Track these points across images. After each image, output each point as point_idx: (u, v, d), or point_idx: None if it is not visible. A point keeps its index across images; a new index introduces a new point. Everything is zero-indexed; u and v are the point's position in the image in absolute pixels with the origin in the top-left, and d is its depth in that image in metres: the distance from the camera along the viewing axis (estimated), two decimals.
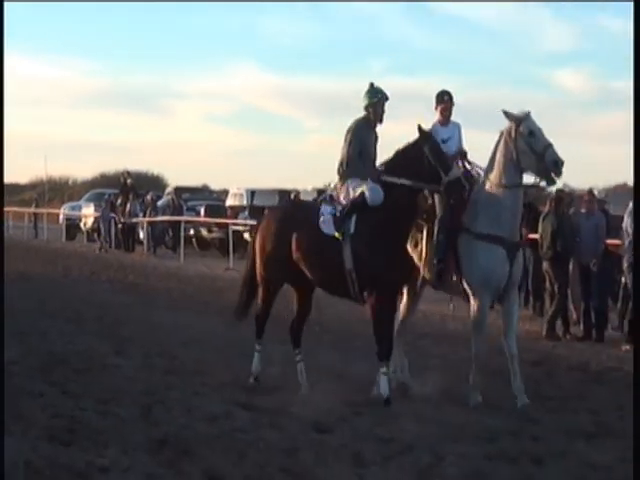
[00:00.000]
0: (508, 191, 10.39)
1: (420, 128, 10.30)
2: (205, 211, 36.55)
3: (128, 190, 38.73)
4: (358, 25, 77.38)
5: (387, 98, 10.62)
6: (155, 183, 55.59)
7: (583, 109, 75.19)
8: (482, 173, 10.93)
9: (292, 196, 27.66)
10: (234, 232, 31.86)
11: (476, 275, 10.34)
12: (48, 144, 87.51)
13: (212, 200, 40.92)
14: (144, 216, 36.57)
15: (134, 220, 37.01)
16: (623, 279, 15.77)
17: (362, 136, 10.55)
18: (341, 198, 10.61)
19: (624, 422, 9.34)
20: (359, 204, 10.17)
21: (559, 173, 10.37)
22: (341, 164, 10.62)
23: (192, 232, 35.55)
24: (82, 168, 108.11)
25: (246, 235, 32.97)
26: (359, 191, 10.23)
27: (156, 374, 11.40)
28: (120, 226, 37.18)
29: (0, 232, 28.30)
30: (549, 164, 10.15)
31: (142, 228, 36.70)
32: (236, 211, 35.66)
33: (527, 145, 10.21)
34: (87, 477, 6.91)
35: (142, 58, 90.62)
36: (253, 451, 8.00)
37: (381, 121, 10.71)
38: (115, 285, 23.97)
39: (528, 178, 10.62)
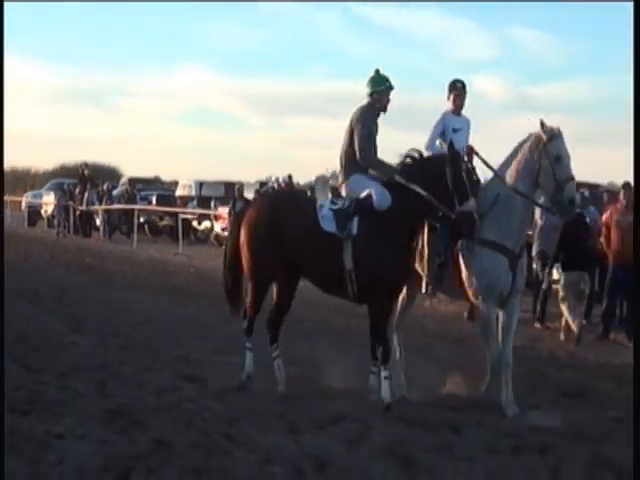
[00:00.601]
0: (521, 198, 9.10)
1: (451, 146, 8.96)
2: (157, 200, 36.52)
3: (86, 180, 38.46)
4: (300, 32, 77.34)
5: (392, 87, 9.22)
6: (111, 174, 55.07)
7: (501, 113, 75.85)
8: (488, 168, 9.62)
9: (237, 188, 27.51)
10: (183, 220, 31.98)
11: (481, 280, 9.01)
12: (12, 137, 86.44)
13: (163, 190, 40.79)
14: (100, 204, 36.40)
15: (91, 208, 36.72)
16: (534, 265, 15.94)
17: (369, 124, 9.16)
18: (343, 192, 9.41)
19: (535, 396, 9.49)
20: (364, 206, 8.87)
21: (573, 211, 9.50)
22: (347, 158, 9.25)
23: (144, 220, 35.31)
24: (44, 160, 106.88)
25: (194, 223, 33.13)
26: (366, 192, 8.94)
27: (110, 351, 11.28)
28: (78, 213, 36.86)
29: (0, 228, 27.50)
30: (565, 200, 8.91)
31: (98, 215, 36.47)
32: (185, 201, 35.91)
33: (551, 168, 8.87)
34: (45, 444, 6.88)
35: (101, 60, 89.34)
36: (199, 420, 8.03)
37: (385, 110, 9.29)
38: (73, 268, 23.71)
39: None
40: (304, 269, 9.34)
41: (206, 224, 32.85)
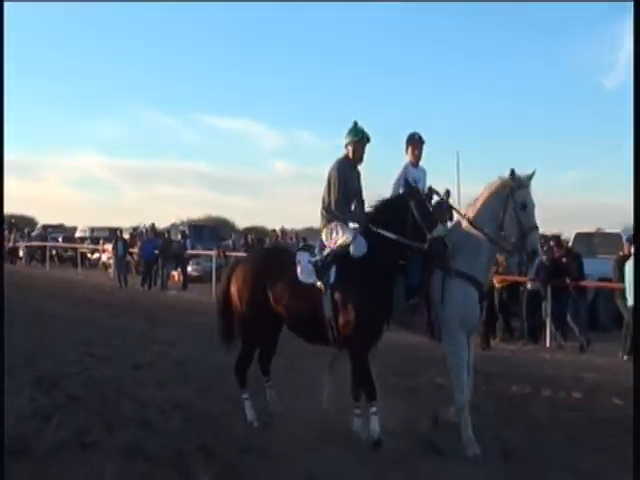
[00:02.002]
0: (486, 239, 6.23)
1: (407, 182, 6.36)
2: (63, 239, 35.08)
3: (12, 226, 37.02)
4: (160, 129, 76.11)
5: (369, 139, 6.42)
6: (30, 222, 51.98)
7: (287, 185, 77.42)
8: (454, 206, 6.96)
9: (117, 231, 26.82)
10: (81, 252, 30.86)
11: (454, 314, 6.07)
12: None
13: (66, 233, 39.11)
14: (23, 242, 34.84)
15: (16, 244, 35.01)
16: None
17: (345, 176, 6.32)
18: (324, 240, 6.37)
19: None
20: (341, 255, 6.11)
21: (534, 261, 6.65)
22: (325, 206, 6.40)
23: (54, 252, 33.78)
24: None
25: (89, 255, 32.35)
26: (342, 241, 6.15)
27: (34, 337, 10.78)
28: (6, 249, 35.02)
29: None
30: (528, 249, 6.15)
31: (22, 250, 34.84)
32: (82, 239, 34.84)
33: (515, 215, 6.13)
34: None
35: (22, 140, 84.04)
36: (98, 382, 7.85)
37: (360, 161, 6.44)
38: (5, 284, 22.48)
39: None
40: (287, 321, 6.45)
41: (96, 255, 31.94)
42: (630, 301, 11.23)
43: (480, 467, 5.49)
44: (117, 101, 77.78)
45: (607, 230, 14.96)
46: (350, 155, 6.39)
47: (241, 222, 49.51)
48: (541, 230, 6.34)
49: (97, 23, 68.17)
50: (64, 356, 9.34)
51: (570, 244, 15.44)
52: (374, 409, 5.87)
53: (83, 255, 31.34)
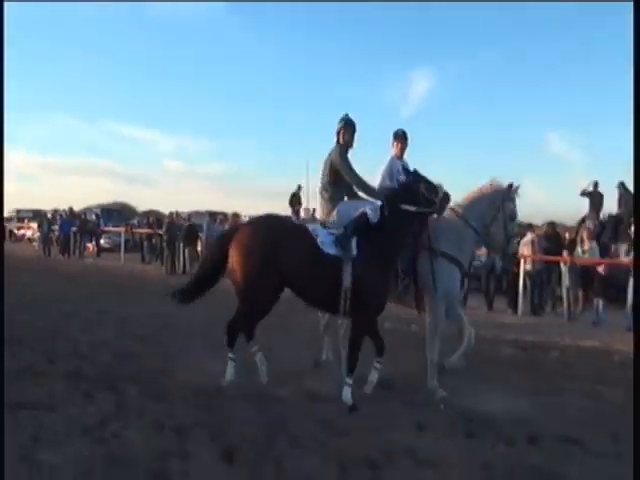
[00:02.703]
0: (472, 231, 5.63)
1: (415, 172, 5.34)
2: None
3: None
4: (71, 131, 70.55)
5: (354, 126, 5.52)
6: None
7: (182, 179, 75.26)
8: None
9: (43, 214, 25.18)
10: (9, 230, 29.18)
11: (439, 288, 5.43)
12: None
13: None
14: None
15: None
16: None
17: (347, 158, 5.47)
18: (332, 219, 5.40)
19: None
20: (361, 224, 5.15)
21: (512, 262, 5.84)
22: (329, 187, 5.50)
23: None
24: None
25: (15, 231, 30.42)
26: (360, 211, 5.23)
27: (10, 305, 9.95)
28: None
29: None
30: (509, 253, 5.74)
31: None
32: (9, 220, 32.14)
33: (504, 224, 5.58)
34: None
35: None
36: (36, 328, 7.48)
37: (350, 144, 5.50)
38: None
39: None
40: (299, 290, 5.15)
41: (22, 232, 29.80)
42: None
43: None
44: (42, 109, 72.10)
45: None
46: (341, 140, 5.53)
47: (141, 207, 47.94)
48: None
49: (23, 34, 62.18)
50: (37, 321, 8.39)
51: None
52: (350, 380, 5.00)
53: (10, 232, 29.28)
